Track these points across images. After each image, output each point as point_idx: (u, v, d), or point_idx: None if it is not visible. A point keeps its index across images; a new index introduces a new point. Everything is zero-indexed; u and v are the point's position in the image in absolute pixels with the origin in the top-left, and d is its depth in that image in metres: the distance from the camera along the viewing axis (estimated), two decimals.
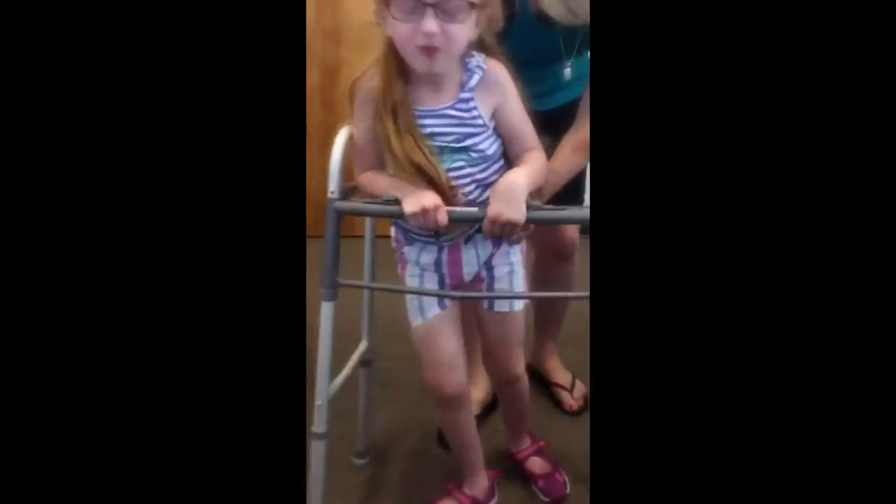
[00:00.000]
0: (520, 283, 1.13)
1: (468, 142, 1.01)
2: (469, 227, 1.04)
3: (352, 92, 1.04)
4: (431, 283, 1.12)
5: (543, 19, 1.10)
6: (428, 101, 1.01)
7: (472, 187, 1.02)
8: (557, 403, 1.56)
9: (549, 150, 1.08)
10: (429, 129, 1.00)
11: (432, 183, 0.98)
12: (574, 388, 1.57)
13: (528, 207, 0.97)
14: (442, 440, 1.43)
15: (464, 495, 1.25)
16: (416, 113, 1.00)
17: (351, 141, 1.07)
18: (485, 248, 1.08)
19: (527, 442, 1.35)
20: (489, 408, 1.50)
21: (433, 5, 0.91)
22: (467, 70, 1.01)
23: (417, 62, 0.96)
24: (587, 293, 1.06)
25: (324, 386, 1.09)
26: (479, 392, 1.50)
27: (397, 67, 0.99)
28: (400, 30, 0.95)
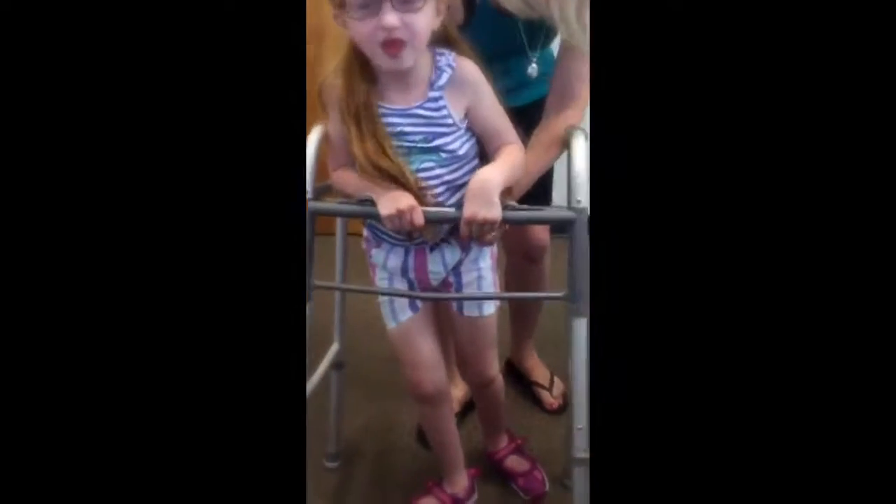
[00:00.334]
0: (489, 289, 1.11)
1: (437, 142, 0.98)
2: (443, 230, 1.02)
3: (319, 93, 1.01)
4: (401, 285, 1.10)
5: (502, 12, 1.07)
6: (396, 100, 0.98)
7: (441, 189, 0.99)
8: (537, 402, 1.56)
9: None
10: (397, 129, 0.98)
11: (400, 185, 0.95)
12: (553, 387, 1.56)
13: (506, 208, 0.95)
14: (421, 437, 1.43)
15: (444, 493, 1.25)
16: (384, 111, 0.98)
17: (325, 139, 1.04)
18: (452, 254, 1.06)
19: (504, 441, 1.35)
20: (469, 406, 1.49)
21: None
22: (437, 68, 0.99)
23: (383, 60, 0.93)
24: (561, 293, 1.08)
25: None
26: (458, 391, 1.49)
27: (360, 69, 0.97)
28: (359, 29, 0.91)
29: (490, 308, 1.13)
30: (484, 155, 1.04)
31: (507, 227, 1.01)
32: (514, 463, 1.33)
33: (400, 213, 0.94)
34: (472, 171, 1.01)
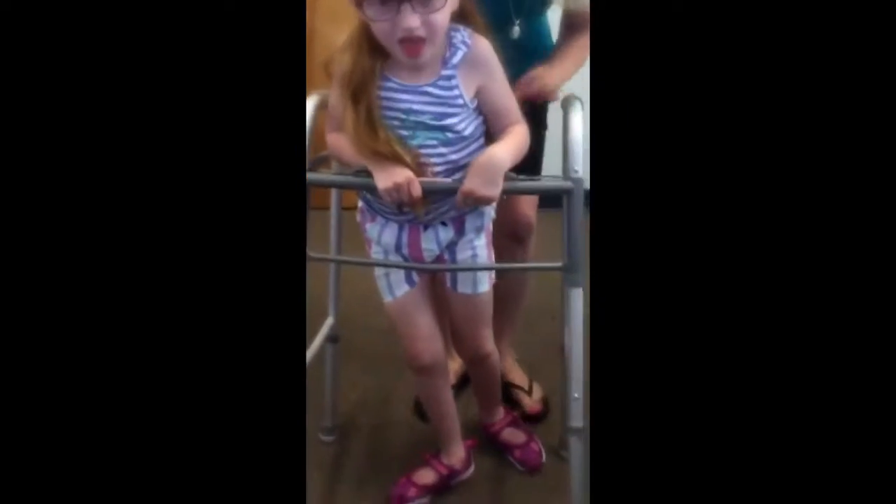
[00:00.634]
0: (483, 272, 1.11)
1: (446, 121, 0.97)
2: (440, 204, 1.01)
3: (327, 66, 1.00)
4: (396, 261, 1.09)
5: None
6: (408, 76, 0.97)
7: (442, 168, 0.98)
8: (514, 405, 1.46)
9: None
10: (405, 105, 0.96)
11: (395, 160, 0.94)
12: (532, 391, 1.49)
13: (504, 178, 0.94)
14: (419, 410, 1.43)
15: (441, 465, 1.25)
16: (394, 87, 0.96)
17: (321, 108, 1.03)
18: (446, 233, 1.05)
19: (500, 414, 1.35)
20: (465, 379, 1.47)
21: (408, 0, 0.87)
22: (451, 45, 0.97)
23: (402, 57, 0.93)
24: (559, 263, 1.08)
25: None
26: (454, 363, 1.47)
27: (369, 46, 0.95)
28: (378, 28, 0.91)
29: (484, 286, 1.12)
30: (489, 135, 1.02)
31: (505, 196, 1.01)
32: (511, 435, 1.34)
33: (397, 187, 0.93)
34: (476, 151, 0.99)
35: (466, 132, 0.99)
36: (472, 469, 1.28)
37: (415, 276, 1.11)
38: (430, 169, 0.97)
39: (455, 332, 1.19)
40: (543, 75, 1.13)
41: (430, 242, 1.05)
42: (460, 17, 0.98)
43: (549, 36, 1.28)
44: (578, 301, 1.00)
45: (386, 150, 0.94)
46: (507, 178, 0.95)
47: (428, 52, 0.93)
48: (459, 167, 0.98)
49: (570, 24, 1.21)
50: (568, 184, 0.98)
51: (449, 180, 0.96)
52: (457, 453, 1.26)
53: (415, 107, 0.96)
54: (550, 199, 1.03)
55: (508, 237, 1.36)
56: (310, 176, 0.99)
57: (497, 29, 1.13)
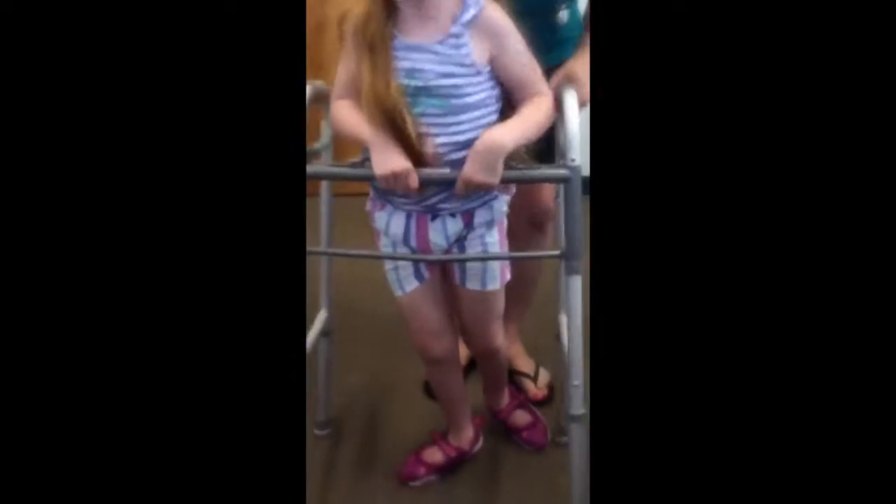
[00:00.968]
0: (495, 265, 1.08)
1: (449, 82, 0.93)
2: (441, 189, 0.99)
3: (340, 21, 0.97)
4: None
5: None
6: (415, 34, 0.94)
7: (444, 140, 0.94)
8: (520, 391, 1.46)
9: None
10: (410, 65, 0.93)
11: (397, 131, 0.92)
12: (538, 377, 1.50)
13: (505, 166, 0.93)
14: (428, 390, 1.43)
15: (449, 445, 1.26)
16: (400, 45, 0.93)
17: (317, 96, 1.02)
18: (454, 225, 1.02)
19: (507, 398, 1.35)
20: (475, 362, 1.44)
21: None
22: (464, 3, 0.93)
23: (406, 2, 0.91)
24: (557, 251, 1.08)
25: None
26: (465, 349, 1.45)
27: (383, 1, 0.92)
28: None
29: (494, 283, 1.09)
30: (510, 106, 0.99)
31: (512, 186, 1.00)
32: (518, 418, 1.34)
33: (394, 175, 0.92)
34: (482, 124, 0.95)
35: (472, 99, 0.95)
36: (480, 444, 1.30)
37: (424, 272, 1.09)
38: (430, 141, 0.94)
39: (464, 327, 1.18)
40: (577, 68, 1.08)
41: (438, 235, 1.03)
42: None
43: (580, 24, 1.24)
44: (577, 288, 1.00)
45: (395, 110, 0.91)
46: (506, 167, 0.94)
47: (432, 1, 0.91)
48: (460, 144, 0.94)
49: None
50: (565, 172, 0.97)
51: (447, 171, 0.95)
52: (466, 435, 1.27)
53: (418, 66, 0.93)
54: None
55: (528, 223, 1.35)
56: (309, 168, 0.97)
57: (541, 14, 1.12)
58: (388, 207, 1.04)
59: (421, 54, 0.93)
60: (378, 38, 0.92)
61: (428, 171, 0.94)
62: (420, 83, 0.93)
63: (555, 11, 1.16)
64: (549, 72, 1.05)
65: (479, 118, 0.96)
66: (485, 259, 1.07)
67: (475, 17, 0.93)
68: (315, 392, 1.34)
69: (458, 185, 0.94)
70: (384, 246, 1.09)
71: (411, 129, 0.92)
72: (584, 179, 0.95)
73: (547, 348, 1.39)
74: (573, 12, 1.21)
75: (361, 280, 1.37)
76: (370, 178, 0.94)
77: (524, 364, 1.51)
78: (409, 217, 1.03)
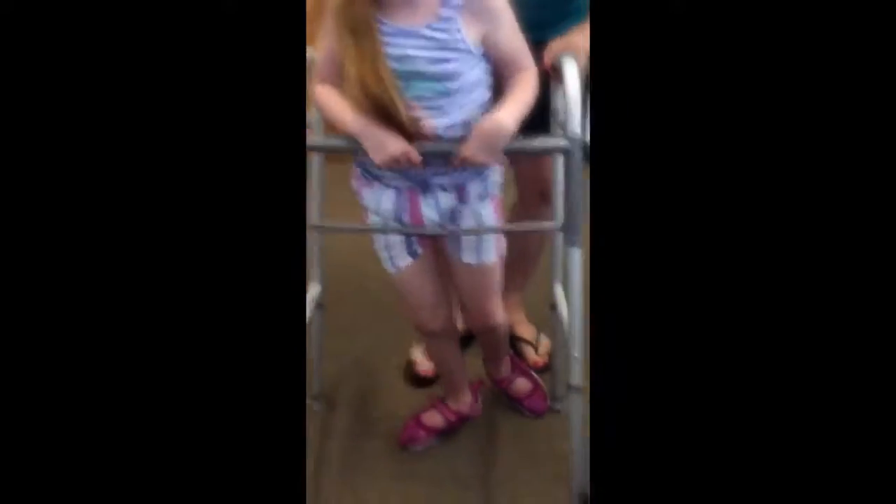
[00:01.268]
0: (489, 239, 1.06)
1: (443, 67, 0.89)
2: (438, 163, 0.96)
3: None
4: (395, 236, 1.05)
5: None
6: (402, 18, 0.89)
7: (438, 122, 0.91)
8: (521, 358, 1.47)
9: None
10: (399, 51, 0.88)
11: (388, 117, 0.88)
12: (539, 344, 1.50)
13: None
14: (408, 375, 1.43)
15: (448, 409, 1.27)
16: (387, 30, 0.88)
17: (311, 65, 0.98)
18: (446, 199, 1.00)
19: (508, 366, 1.34)
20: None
21: None
22: None
23: None
24: (556, 224, 1.07)
25: None
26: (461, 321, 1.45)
27: None
28: None
29: (490, 255, 1.07)
30: (496, 82, 0.97)
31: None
32: (521, 385, 1.34)
33: (395, 161, 0.89)
34: (477, 105, 0.94)
35: (467, 81, 0.92)
36: (479, 406, 1.30)
37: (417, 248, 1.07)
38: (425, 123, 0.91)
39: (462, 303, 1.17)
40: (577, 39, 1.05)
41: (431, 209, 1.00)
42: None
43: None
44: (577, 261, 1.00)
45: (384, 97, 0.87)
46: None
47: None
48: (457, 125, 0.92)
49: None
50: (564, 143, 0.96)
51: (447, 144, 0.93)
52: (464, 399, 1.27)
53: (409, 52, 0.89)
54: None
55: (536, 195, 1.33)
56: (308, 140, 0.94)
57: None
58: (377, 185, 1.01)
59: (410, 39, 0.89)
60: (362, 23, 0.87)
61: (427, 145, 0.92)
62: (412, 68, 0.89)
63: None
64: (542, 47, 1.03)
65: (472, 97, 0.94)
66: (484, 232, 1.06)
67: None
68: (309, 364, 1.33)
69: (457, 159, 0.92)
70: (373, 224, 1.06)
71: (404, 116, 0.88)
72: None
73: (543, 317, 1.39)
74: None
75: (352, 250, 1.35)
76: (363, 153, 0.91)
77: (525, 331, 1.51)
78: (399, 193, 1.00)
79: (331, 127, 1.01)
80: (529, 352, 1.49)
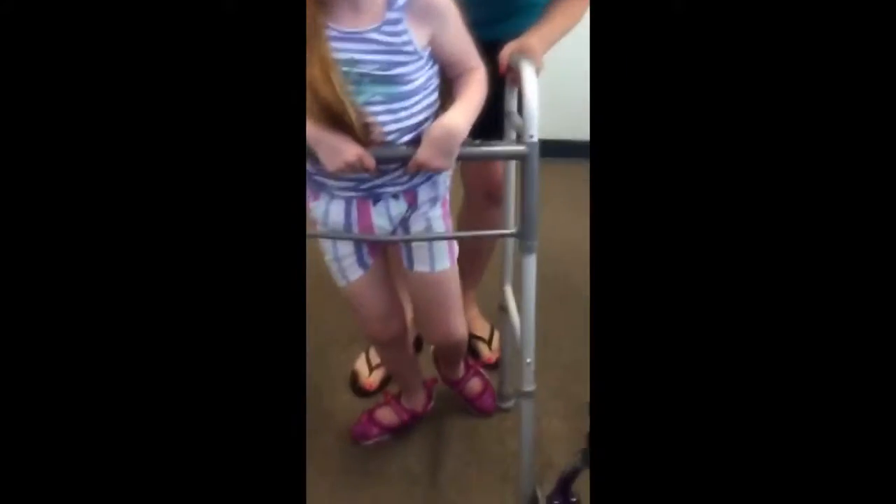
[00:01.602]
0: (441, 246, 1.03)
1: (394, 71, 0.87)
2: (392, 168, 0.94)
3: None
4: (346, 247, 1.03)
5: None
6: (347, 22, 0.86)
7: (392, 127, 0.89)
8: (475, 354, 1.48)
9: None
10: (348, 56, 0.86)
11: (341, 123, 0.85)
12: (492, 340, 1.50)
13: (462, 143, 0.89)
14: (353, 386, 1.42)
15: (401, 408, 1.27)
16: (333, 35, 0.85)
17: None
18: (397, 206, 0.98)
19: (462, 370, 1.33)
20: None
21: None
22: None
23: None
24: (512, 230, 1.06)
25: None
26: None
27: None
28: None
29: (443, 262, 1.04)
30: (444, 82, 0.95)
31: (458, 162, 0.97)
32: (474, 385, 1.34)
33: (349, 167, 0.86)
34: (427, 106, 0.91)
35: (417, 83, 0.89)
36: (432, 404, 1.32)
37: (367, 260, 1.04)
38: (377, 129, 0.88)
39: (419, 317, 1.14)
40: (532, 41, 1.02)
41: (382, 217, 0.98)
42: None
43: None
44: (532, 268, 0.99)
45: (336, 103, 0.84)
46: (463, 144, 0.90)
47: None
48: (409, 128, 0.90)
49: None
50: (522, 149, 0.94)
51: (403, 148, 0.91)
52: (418, 398, 1.28)
53: (357, 56, 0.86)
54: (560, 151, 0.97)
55: (483, 197, 1.32)
56: None
57: None
58: (323, 196, 0.98)
59: (358, 44, 0.86)
60: (310, 28, 0.83)
61: (382, 150, 0.90)
62: (361, 71, 0.86)
63: None
64: (493, 44, 1.00)
65: (423, 99, 0.91)
66: (442, 239, 1.04)
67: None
68: None
69: (411, 166, 0.90)
70: (322, 238, 1.04)
71: (355, 121, 0.85)
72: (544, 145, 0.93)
73: (494, 311, 1.39)
74: None
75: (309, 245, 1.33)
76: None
77: (480, 328, 1.52)
78: (349, 203, 0.97)
79: None
80: (483, 349, 1.49)
